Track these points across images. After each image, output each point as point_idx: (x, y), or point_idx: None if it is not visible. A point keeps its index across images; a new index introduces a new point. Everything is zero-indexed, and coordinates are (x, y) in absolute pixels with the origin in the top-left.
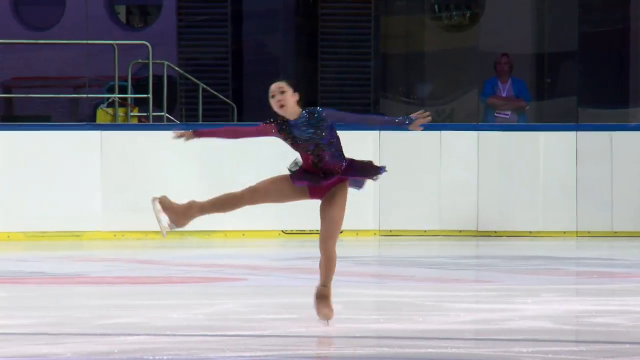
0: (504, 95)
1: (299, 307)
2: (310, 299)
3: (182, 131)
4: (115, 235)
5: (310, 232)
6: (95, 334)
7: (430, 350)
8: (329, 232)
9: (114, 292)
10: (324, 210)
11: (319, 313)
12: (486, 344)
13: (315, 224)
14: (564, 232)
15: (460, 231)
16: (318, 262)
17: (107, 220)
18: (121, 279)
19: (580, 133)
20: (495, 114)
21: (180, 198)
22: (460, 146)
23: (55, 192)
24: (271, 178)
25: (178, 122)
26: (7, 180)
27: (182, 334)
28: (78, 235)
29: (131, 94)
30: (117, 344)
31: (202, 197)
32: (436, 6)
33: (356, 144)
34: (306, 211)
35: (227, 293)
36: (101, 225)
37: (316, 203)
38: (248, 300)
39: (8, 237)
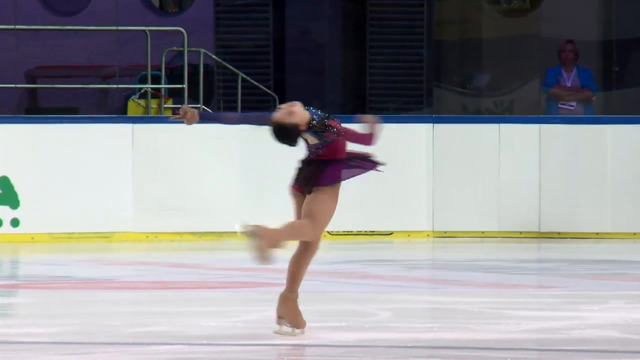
0: (568, 85)
1: (345, 315)
2: (355, 306)
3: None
4: (147, 237)
5: (358, 234)
6: (126, 344)
7: None
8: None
9: (146, 298)
10: (305, 202)
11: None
12: (549, 355)
13: (363, 225)
14: (634, 234)
15: (520, 233)
16: (361, 266)
17: (138, 221)
18: (154, 284)
19: None
20: (559, 106)
21: (217, 197)
22: (521, 140)
23: (83, 190)
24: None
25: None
26: (31, 178)
27: (219, 343)
28: (107, 237)
29: (165, 84)
30: (150, 354)
31: (241, 195)
32: None
33: (408, 138)
34: (353, 211)
35: (268, 299)
36: (132, 226)
37: (362, 203)
38: None
39: (32, 238)
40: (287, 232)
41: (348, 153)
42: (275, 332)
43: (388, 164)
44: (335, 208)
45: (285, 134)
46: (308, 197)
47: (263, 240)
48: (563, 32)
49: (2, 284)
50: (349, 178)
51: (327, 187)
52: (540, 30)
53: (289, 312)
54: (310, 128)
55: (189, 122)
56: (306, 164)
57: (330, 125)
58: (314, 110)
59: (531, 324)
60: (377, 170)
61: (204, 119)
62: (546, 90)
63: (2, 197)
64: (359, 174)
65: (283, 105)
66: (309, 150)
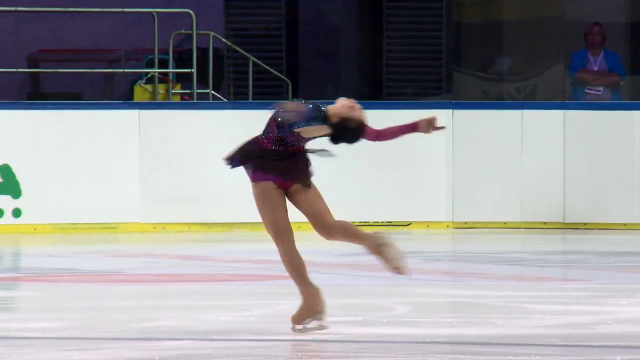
0: (595, 69)
1: (361, 309)
2: (372, 300)
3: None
4: (154, 228)
5: (375, 224)
6: (133, 339)
7: (511, 357)
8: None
9: (153, 292)
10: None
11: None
12: (575, 351)
13: (380, 215)
14: None
15: (544, 223)
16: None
17: (145, 211)
18: (161, 277)
19: None
20: (585, 91)
21: (228, 186)
22: (544, 127)
23: (87, 179)
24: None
25: (225, 100)
26: (33, 166)
27: (230, 338)
28: (113, 228)
29: (172, 68)
30: (158, 349)
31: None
32: None
33: None
34: (370, 201)
35: (281, 292)
36: (139, 217)
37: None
38: None
39: (35, 229)
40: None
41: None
42: (320, 327)
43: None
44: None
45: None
46: (309, 193)
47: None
48: (589, 13)
49: (4, 277)
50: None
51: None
52: (565, 12)
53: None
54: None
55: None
56: (285, 156)
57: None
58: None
59: (556, 318)
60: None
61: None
62: (572, 75)
63: (3, 186)
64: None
65: (348, 103)
66: (286, 143)
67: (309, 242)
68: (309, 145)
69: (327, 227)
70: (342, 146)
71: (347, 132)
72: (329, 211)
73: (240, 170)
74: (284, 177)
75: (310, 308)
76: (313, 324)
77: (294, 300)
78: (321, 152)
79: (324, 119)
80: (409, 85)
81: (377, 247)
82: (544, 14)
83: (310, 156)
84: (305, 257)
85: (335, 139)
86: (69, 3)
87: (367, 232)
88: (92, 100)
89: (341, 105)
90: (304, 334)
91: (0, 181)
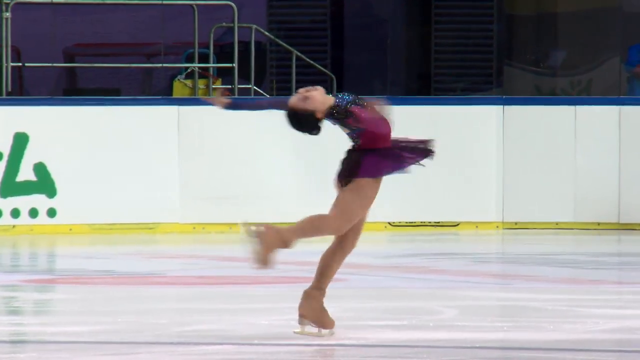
0: None
1: (407, 312)
2: (419, 303)
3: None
4: (194, 228)
5: (422, 225)
6: (172, 343)
7: None
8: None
9: (193, 295)
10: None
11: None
12: (630, 357)
13: (427, 215)
14: None
15: (598, 224)
16: (425, 260)
17: (185, 210)
18: (202, 279)
19: None
20: None
21: (270, 184)
22: (599, 124)
23: (125, 177)
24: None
25: (267, 96)
26: (69, 164)
27: (272, 343)
28: (152, 228)
29: (213, 63)
30: (198, 354)
31: (298, 183)
32: None
33: (476, 121)
34: (417, 200)
35: (327, 295)
36: (178, 216)
37: (426, 191)
38: (349, 304)
39: (70, 230)
40: (302, 229)
41: (395, 141)
42: (297, 333)
43: (455, 150)
44: (368, 203)
45: (298, 121)
46: (342, 188)
47: (264, 243)
48: None
49: (39, 279)
50: (390, 173)
51: (363, 180)
52: (622, 4)
53: (312, 312)
54: (331, 115)
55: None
56: (348, 154)
57: (350, 112)
58: (341, 96)
59: (610, 323)
60: (420, 164)
61: (234, 107)
62: (629, 70)
63: (38, 185)
64: (403, 168)
65: (301, 90)
66: (350, 139)
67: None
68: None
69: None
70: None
71: (295, 122)
72: (333, 209)
73: (285, 167)
74: (338, 176)
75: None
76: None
77: (337, 303)
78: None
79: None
80: (459, 80)
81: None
82: (600, 5)
83: (362, 155)
84: (352, 258)
85: (291, 126)
86: None
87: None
88: (130, 96)
89: (296, 95)
90: (347, 339)
91: (34, 180)
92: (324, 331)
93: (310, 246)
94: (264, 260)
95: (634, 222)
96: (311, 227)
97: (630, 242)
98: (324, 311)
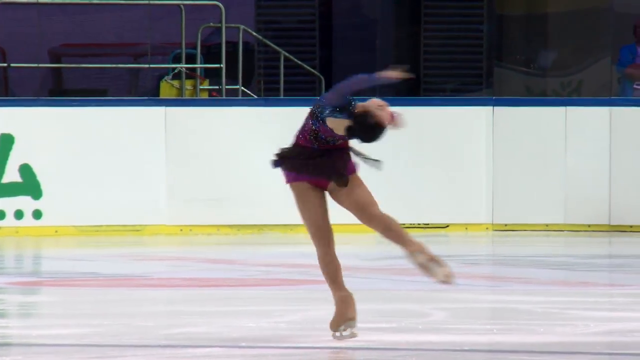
0: None
1: (396, 315)
2: (408, 305)
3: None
4: (181, 230)
5: (411, 226)
6: (159, 346)
7: None
8: (367, 203)
9: (180, 297)
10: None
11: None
12: None
13: (416, 217)
14: None
15: (589, 226)
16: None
17: (172, 213)
18: (189, 282)
19: None
20: (634, 87)
21: (257, 186)
22: (590, 125)
23: (112, 179)
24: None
25: (255, 97)
26: (55, 165)
27: (260, 345)
28: (139, 230)
29: (200, 63)
30: (185, 357)
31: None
32: None
33: (466, 122)
34: (406, 202)
35: (314, 298)
36: (165, 219)
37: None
38: None
39: (56, 232)
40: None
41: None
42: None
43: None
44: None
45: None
46: (351, 188)
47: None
48: (639, 6)
49: (24, 281)
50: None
51: (356, 175)
52: (613, 4)
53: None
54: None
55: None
56: (320, 153)
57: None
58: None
59: (601, 325)
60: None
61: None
62: (620, 70)
63: (24, 186)
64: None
65: (377, 101)
66: (321, 138)
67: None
68: (359, 149)
69: (372, 218)
70: (357, 142)
71: (365, 127)
72: (375, 202)
73: (271, 169)
74: (318, 176)
75: (342, 315)
76: (348, 332)
77: (326, 306)
78: (371, 161)
79: (351, 113)
80: (448, 80)
81: (418, 258)
82: (590, 6)
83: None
84: (341, 260)
85: (351, 130)
86: None
87: (410, 238)
88: (117, 97)
89: (371, 101)
90: (336, 342)
91: (20, 181)
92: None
93: (297, 248)
94: (449, 275)
95: (624, 223)
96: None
97: (621, 244)
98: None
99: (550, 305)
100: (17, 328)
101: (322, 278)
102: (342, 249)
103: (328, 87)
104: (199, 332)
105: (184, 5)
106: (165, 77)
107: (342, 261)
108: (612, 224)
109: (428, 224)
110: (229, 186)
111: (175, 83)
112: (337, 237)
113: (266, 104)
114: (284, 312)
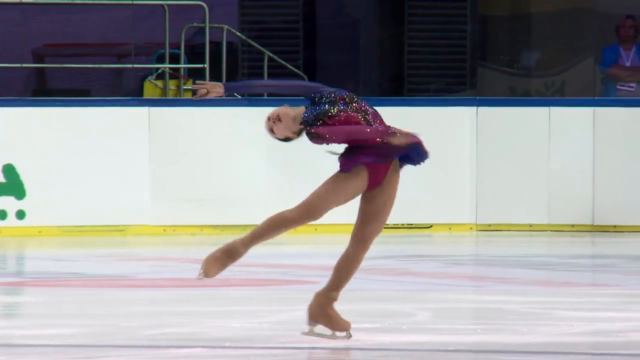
0: (627, 64)
1: (380, 315)
2: (392, 305)
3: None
4: (165, 230)
5: (395, 227)
6: (143, 346)
7: None
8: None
9: (164, 297)
10: (381, 205)
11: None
12: None
13: (400, 217)
14: None
15: (572, 226)
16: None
17: (155, 213)
18: (172, 282)
19: None
20: (617, 87)
21: (242, 186)
22: (573, 125)
23: (95, 179)
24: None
25: (239, 97)
26: (37, 166)
27: (244, 346)
28: (122, 230)
29: (184, 63)
30: (168, 357)
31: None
32: None
33: (450, 122)
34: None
35: (297, 298)
36: (149, 219)
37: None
38: None
39: (39, 232)
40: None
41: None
42: (308, 334)
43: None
44: (338, 195)
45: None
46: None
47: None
48: (622, 6)
49: (7, 282)
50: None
51: (341, 173)
52: (597, 4)
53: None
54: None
55: (211, 92)
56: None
57: (311, 133)
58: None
59: (584, 325)
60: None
61: (229, 89)
62: (603, 70)
63: (7, 186)
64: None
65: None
66: (368, 121)
67: (327, 244)
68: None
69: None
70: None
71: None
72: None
73: (257, 170)
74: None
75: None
76: (318, 328)
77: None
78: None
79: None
80: (432, 80)
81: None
82: (574, 6)
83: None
84: (326, 260)
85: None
86: None
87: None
88: (100, 97)
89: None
90: (320, 342)
91: (3, 181)
92: (340, 334)
93: (280, 249)
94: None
95: (608, 224)
96: (268, 228)
97: (604, 244)
98: (336, 314)
99: (534, 305)
100: (0, 328)
101: (308, 279)
102: (327, 249)
103: None
104: (183, 332)
105: (167, 5)
106: (149, 77)
107: (323, 261)
108: (595, 224)
109: (412, 224)
110: (213, 186)
111: (159, 83)
112: (319, 237)
113: (250, 104)
114: (266, 313)
